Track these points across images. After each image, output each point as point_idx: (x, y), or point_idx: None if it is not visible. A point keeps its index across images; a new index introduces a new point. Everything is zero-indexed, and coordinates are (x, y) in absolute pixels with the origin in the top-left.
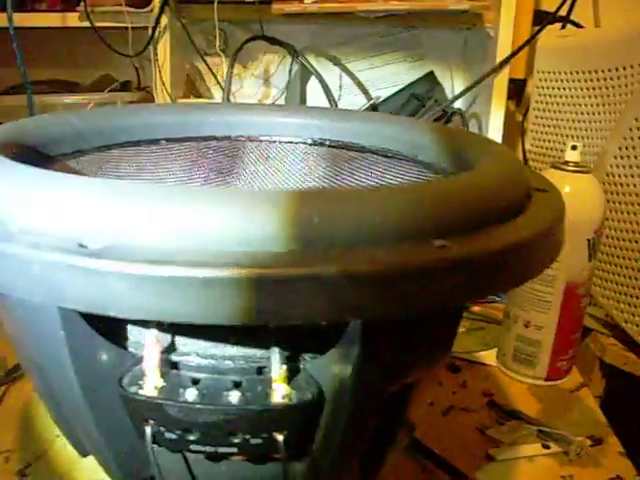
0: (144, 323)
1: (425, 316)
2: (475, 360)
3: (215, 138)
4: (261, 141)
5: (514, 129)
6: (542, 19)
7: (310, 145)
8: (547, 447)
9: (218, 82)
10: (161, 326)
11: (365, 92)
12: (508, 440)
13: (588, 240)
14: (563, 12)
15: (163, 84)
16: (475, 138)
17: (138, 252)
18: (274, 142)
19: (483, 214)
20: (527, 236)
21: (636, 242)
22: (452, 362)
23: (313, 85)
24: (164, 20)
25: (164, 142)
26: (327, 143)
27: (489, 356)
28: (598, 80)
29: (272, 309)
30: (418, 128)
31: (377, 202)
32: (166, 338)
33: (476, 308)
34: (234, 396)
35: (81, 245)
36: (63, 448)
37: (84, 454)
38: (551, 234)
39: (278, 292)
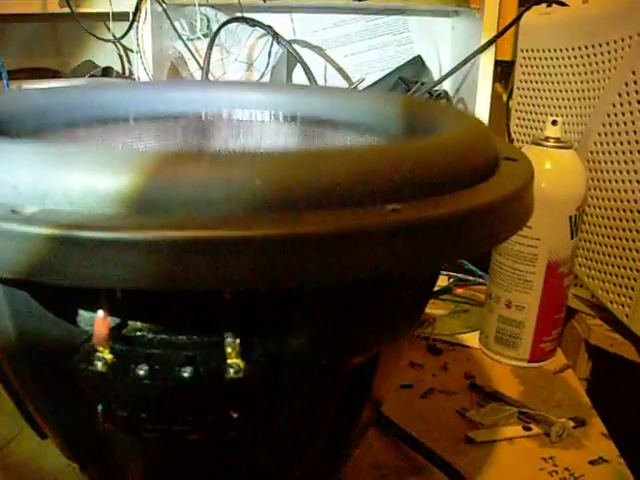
0: (93, 297)
1: (379, 283)
2: (457, 342)
3: (185, 116)
4: (231, 119)
5: (502, 111)
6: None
7: (281, 121)
8: (528, 429)
9: (201, 67)
10: (112, 300)
11: (351, 78)
12: (488, 422)
13: (570, 217)
14: None
15: (145, 69)
16: (443, 108)
17: (70, 217)
18: (244, 120)
19: (442, 178)
20: (486, 201)
21: (620, 220)
22: (433, 344)
23: (300, 70)
24: (145, 4)
25: (132, 121)
26: (297, 119)
27: (472, 338)
28: (582, 57)
29: (210, 274)
30: (388, 100)
31: (325, 163)
32: (118, 313)
33: (460, 290)
34: (186, 371)
35: (13, 211)
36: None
37: (42, 436)
38: (515, 200)
39: (217, 255)
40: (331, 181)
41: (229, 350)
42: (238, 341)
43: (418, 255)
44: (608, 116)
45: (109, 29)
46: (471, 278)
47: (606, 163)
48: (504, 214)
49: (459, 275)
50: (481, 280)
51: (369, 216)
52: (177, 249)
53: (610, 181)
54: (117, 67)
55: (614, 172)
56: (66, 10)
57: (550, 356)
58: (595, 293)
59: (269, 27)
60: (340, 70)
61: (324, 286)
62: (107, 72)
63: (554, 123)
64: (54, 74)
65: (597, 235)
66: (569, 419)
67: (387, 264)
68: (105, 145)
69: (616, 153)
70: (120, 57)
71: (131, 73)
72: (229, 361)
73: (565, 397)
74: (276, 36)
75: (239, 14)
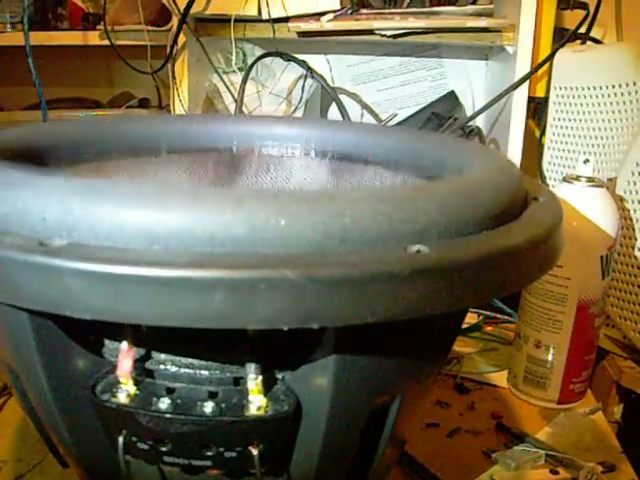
0: (118, 329)
1: (403, 324)
2: (485, 381)
3: (216, 150)
4: (262, 154)
5: (534, 148)
6: (564, 37)
7: (311, 157)
8: (555, 472)
9: (235, 100)
10: (137, 333)
11: (385, 112)
12: (514, 464)
13: (601, 257)
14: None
15: (180, 101)
16: (474, 147)
17: (97, 251)
18: (274, 155)
19: (467, 220)
20: (513, 244)
21: None
22: (461, 383)
23: (334, 103)
24: (182, 38)
25: (165, 153)
26: (328, 155)
27: (500, 377)
28: (616, 95)
29: (234, 312)
30: (419, 138)
31: (350, 205)
32: (142, 345)
33: (489, 328)
34: (208, 407)
35: (41, 243)
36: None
37: (64, 465)
38: (540, 243)
39: (241, 294)
40: (355, 222)
41: (251, 386)
42: (261, 378)
43: (440, 297)
44: None
45: (147, 61)
46: (500, 316)
47: (639, 202)
48: (529, 257)
49: (488, 313)
50: (510, 318)
51: (392, 258)
52: (202, 287)
53: None
54: (154, 98)
55: None
56: (106, 43)
57: (580, 398)
58: (627, 334)
59: (303, 62)
60: (374, 104)
61: (348, 327)
62: (144, 103)
63: (586, 162)
64: (93, 104)
65: (630, 275)
66: (598, 464)
67: (409, 306)
68: (136, 178)
69: None
70: (157, 89)
71: (167, 105)
72: (251, 397)
73: (594, 441)
74: (309, 71)
75: (274, 49)
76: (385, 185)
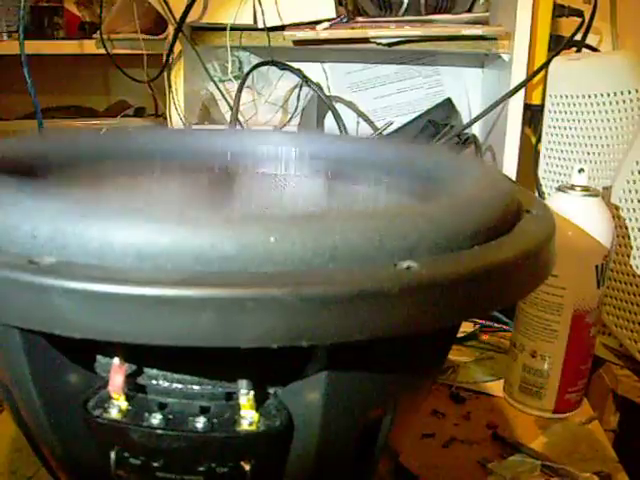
0: (110, 345)
1: (393, 340)
2: (481, 391)
3: (210, 166)
4: (256, 172)
5: (531, 156)
6: (559, 45)
7: (304, 174)
8: None
9: (231, 108)
10: (128, 349)
11: (381, 120)
12: (509, 475)
13: (596, 266)
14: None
15: (177, 110)
16: (466, 161)
17: (86, 270)
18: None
19: (456, 236)
20: (504, 258)
21: None
22: (457, 392)
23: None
24: (178, 47)
25: (157, 169)
26: (321, 171)
27: (496, 387)
28: (611, 103)
29: (223, 331)
30: (413, 152)
31: (338, 221)
32: (134, 361)
33: (485, 336)
34: (200, 422)
35: (31, 262)
36: None
37: (56, 479)
38: (531, 257)
39: (229, 313)
40: (345, 239)
41: (243, 401)
42: (252, 393)
43: (430, 313)
44: (637, 164)
45: (143, 69)
46: (496, 325)
47: (635, 211)
48: (520, 271)
49: (484, 322)
50: (506, 327)
51: (382, 275)
52: (191, 306)
53: (639, 229)
54: (150, 107)
55: None
56: (102, 51)
57: (576, 407)
58: (623, 342)
59: (298, 70)
60: (370, 112)
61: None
62: (140, 112)
63: (581, 171)
64: (89, 113)
65: (626, 284)
66: (594, 473)
67: (399, 323)
68: (129, 194)
69: None
70: (153, 97)
71: (163, 113)
72: (243, 412)
73: (590, 450)
74: (305, 79)
75: (270, 57)
76: (376, 202)
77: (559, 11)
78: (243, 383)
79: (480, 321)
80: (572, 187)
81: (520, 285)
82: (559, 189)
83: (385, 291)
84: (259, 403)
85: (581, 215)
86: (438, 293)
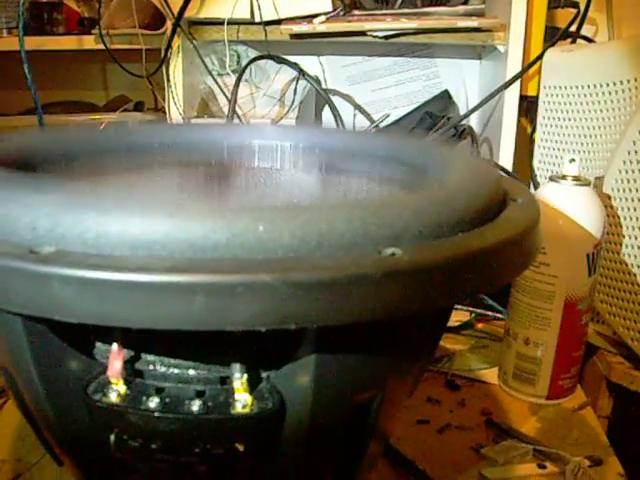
0: (109, 331)
1: (380, 324)
2: (476, 378)
3: (207, 160)
4: (252, 166)
5: (528, 146)
6: (555, 36)
7: (299, 168)
8: (543, 467)
9: (230, 102)
10: (126, 335)
11: (379, 112)
12: (502, 459)
13: (587, 255)
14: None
15: (175, 104)
16: (456, 153)
17: (84, 258)
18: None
19: (441, 223)
20: (485, 245)
21: None
22: (452, 380)
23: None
24: (176, 41)
25: (156, 163)
26: (316, 165)
27: (491, 374)
28: (604, 94)
29: (214, 315)
30: (404, 145)
31: (324, 211)
32: (132, 347)
33: (480, 325)
34: (195, 405)
35: (32, 251)
36: None
37: (60, 463)
38: (514, 244)
39: (220, 298)
40: (331, 228)
41: (237, 385)
42: (246, 377)
43: (413, 298)
44: (629, 153)
45: (142, 64)
46: (491, 313)
47: (627, 200)
48: (502, 257)
49: (479, 310)
50: (501, 316)
51: (366, 261)
52: (183, 291)
53: (631, 218)
54: (149, 101)
55: (635, 209)
56: (101, 47)
57: (569, 393)
58: (616, 330)
59: (295, 64)
60: (367, 104)
61: (326, 327)
62: (139, 106)
63: (572, 161)
64: (88, 108)
65: (618, 272)
66: (585, 458)
67: (383, 307)
68: (125, 186)
69: (637, 190)
70: (152, 92)
71: (162, 107)
72: (237, 396)
73: (582, 435)
74: (302, 73)
75: (270, 51)
76: (363, 192)
77: (554, 2)
78: (237, 367)
79: (476, 310)
80: (563, 177)
81: (502, 270)
82: (550, 179)
83: (369, 276)
84: (252, 386)
85: (572, 204)
86: (420, 278)
